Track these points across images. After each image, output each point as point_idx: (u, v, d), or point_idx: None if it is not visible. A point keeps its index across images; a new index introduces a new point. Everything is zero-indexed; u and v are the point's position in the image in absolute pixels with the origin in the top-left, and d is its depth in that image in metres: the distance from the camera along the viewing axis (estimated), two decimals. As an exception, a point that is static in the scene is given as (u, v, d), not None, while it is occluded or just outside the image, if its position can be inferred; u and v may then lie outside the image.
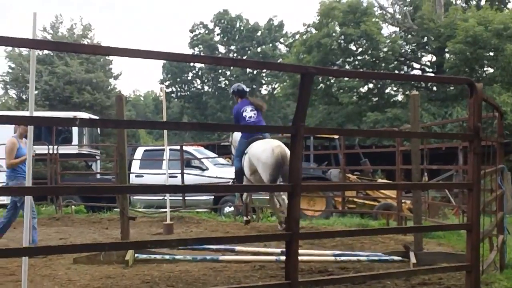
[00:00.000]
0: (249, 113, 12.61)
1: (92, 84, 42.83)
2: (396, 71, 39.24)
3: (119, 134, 10.15)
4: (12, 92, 47.63)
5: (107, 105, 42.62)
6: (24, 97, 44.92)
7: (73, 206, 19.66)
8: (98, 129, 27.89)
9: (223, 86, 57.76)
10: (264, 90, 59.37)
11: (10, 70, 45.09)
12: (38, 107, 39.75)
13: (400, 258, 9.68)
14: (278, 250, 10.22)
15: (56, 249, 6.05)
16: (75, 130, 24.68)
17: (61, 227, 15.56)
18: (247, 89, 13.38)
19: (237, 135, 13.08)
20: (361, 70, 35.63)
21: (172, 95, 56.75)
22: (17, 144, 11.07)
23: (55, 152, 19.26)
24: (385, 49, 38.96)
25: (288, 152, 10.90)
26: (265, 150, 12.05)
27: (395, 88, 41.31)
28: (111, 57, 47.35)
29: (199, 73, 58.28)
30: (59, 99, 41.41)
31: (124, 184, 9.94)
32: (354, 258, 9.80)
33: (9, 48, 44.20)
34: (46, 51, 42.64)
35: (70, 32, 45.72)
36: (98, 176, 25.14)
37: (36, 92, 44.57)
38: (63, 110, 35.74)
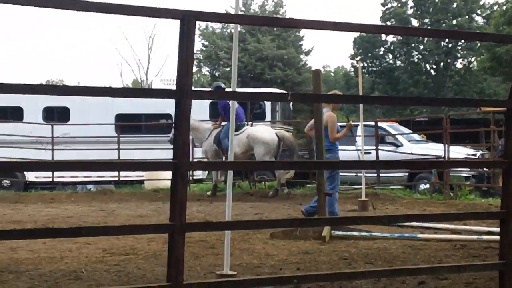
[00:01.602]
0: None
1: (283, 60, 43.30)
2: None
3: (316, 110, 10.04)
4: (205, 70, 49.23)
5: (299, 81, 42.97)
6: (217, 74, 46.29)
7: (265, 182, 19.93)
8: (291, 105, 28.01)
9: (416, 60, 56.35)
10: (459, 64, 57.28)
11: (204, 48, 46.55)
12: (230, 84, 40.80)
13: None
14: (484, 229, 9.77)
15: (255, 224, 6.02)
16: (268, 106, 24.93)
17: (255, 203, 15.77)
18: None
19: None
20: None
21: (363, 70, 56.23)
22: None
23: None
24: None
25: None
26: (270, 134, 16.88)
27: None
28: (302, 33, 47.63)
29: (391, 48, 57.20)
30: (251, 76, 42.25)
31: (321, 160, 9.84)
32: None
33: (203, 26, 45.66)
34: (239, 28, 43.56)
35: (262, 8, 46.43)
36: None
37: (228, 69, 45.79)
38: (255, 86, 36.37)
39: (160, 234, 8.58)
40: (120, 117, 22.60)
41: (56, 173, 20.38)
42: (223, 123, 17.23)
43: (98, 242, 9.01)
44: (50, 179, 20.82)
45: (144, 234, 8.32)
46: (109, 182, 22.15)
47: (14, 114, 22.54)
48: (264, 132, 17.15)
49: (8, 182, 22.07)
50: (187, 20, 4.00)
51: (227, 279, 6.22)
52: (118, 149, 19.65)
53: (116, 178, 21.06)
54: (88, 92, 5.01)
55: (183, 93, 4.01)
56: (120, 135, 20.34)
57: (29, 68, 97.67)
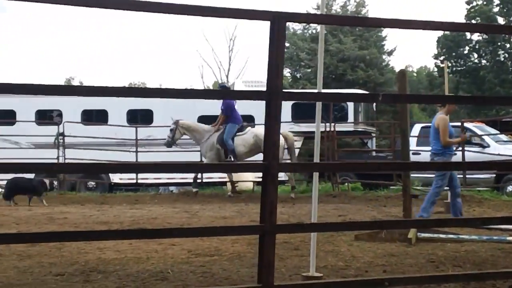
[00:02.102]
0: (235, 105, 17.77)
1: (365, 60, 42.95)
2: None
3: (402, 111, 9.87)
4: (286, 71, 49.24)
5: (381, 81, 42.51)
6: (298, 75, 46.23)
7: (349, 184, 19.77)
8: (374, 105, 27.75)
9: (502, 59, 54.97)
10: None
11: (285, 50, 46.61)
12: (312, 85, 40.70)
13: None
14: None
15: (340, 226, 5.94)
16: (350, 107, 24.76)
17: (338, 204, 15.64)
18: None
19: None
20: None
21: (447, 70, 55.00)
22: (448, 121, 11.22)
23: (332, 129, 19.49)
24: None
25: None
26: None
27: None
28: (384, 33, 47.12)
29: (476, 47, 55.99)
30: (333, 77, 42.05)
31: (407, 161, 9.67)
32: None
33: (285, 28, 45.62)
34: (319, 29, 43.47)
35: (344, 9, 46.18)
36: (373, 153, 25.10)
37: (309, 70, 45.68)
38: (336, 87, 36.15)
39: (244, 235, 8.69)
40: (202, 119, 22.79)
41: (140, 175, 20.71)
42: (218, 126, 17.88)
43: (183, 243, 9.07)
44: (134, 181, 21.20)
45: (233, 236, 8.35)
46: (190, 184, 22.37)
47: (100, 117, 23.02)
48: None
49: (93, 183, 22.56)
50: (278, 21, 3.97)
51: (317, 281, 6.17)
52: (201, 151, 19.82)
53: (199, 180, 21.24)
54: (184, 95, 5.05)
55: (273, 94, 3.97)
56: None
57: (112, 71, 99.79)
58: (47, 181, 16.39)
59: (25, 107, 22.37)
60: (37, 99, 21.95)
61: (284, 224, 6.32)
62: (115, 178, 22.67)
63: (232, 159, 17.48)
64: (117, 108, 22.53)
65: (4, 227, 11.33)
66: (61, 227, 11.27)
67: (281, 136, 17.39)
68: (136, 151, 20.14)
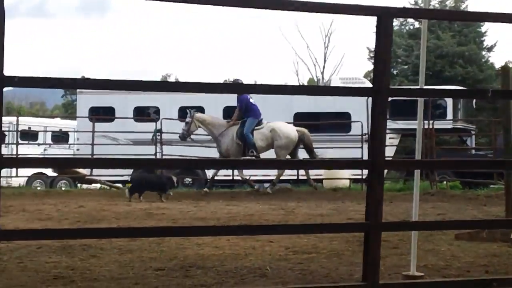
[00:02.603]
0: (251, 100, 17.94)
1: (464, 57, 42.00)
2: None
3: (505, 108, 9.57)
4: (384, 68, 48.64)
5: (480, 78, 41.47)
6: (394, 72, 45.57)
7: (447, 182, 19.39)
8: (474, 102, 27.09)
9: None
10: None
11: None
12: (409, 82, 40.09)
13: None
14: None
15: (447, 224, 5.80)
16: (449, 104, 24.27)
17: (436, 203, 15.33)
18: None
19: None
20: None
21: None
22: None
23: (430, 127, 19.15)
24: None
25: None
26: (293, 130, 17.88)
27: None
28: (483, 28, 45.95)
29: None
30: (430, 74, 41.26)
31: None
32: None
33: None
34: (416, 25, 42.80)
35: (442, 4, 45.26)
36: (473, 151, 24.56)
37: (406, 66, 45.00)
38: (434, 84, 35.47)
39: (342, 233, 8.62)
40: (298, 116, 22.77)
41: (236, 171, 20.87)
42: (234, 121, 18.12)
43: (281, 241, 9.05)
44: (230, 177, 21.35)
45: (332, 233, 8.29)
46: (286, 181, 22.37)
47: (197, 113, 23.31)
48: (288, 127, 18.23)
49: (190, 180, 22.86)
50: (385, 17, 3.90)
51: (422, 280, 6.06)
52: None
53: (295, 177, 21.24)
54: (281, 91, 5.03)
55: (380, 91, 3.90)
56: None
57: (207, 68, 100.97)
58: (174, 178, 16.76)
59: (124, 104, 22.87)
60: (135, 96, 22.43)
61: (390, 222, 6.20)
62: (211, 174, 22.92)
63: (254, 154, 17.58)
64: (214, 104, 22.77)
65: (104, 222, 11.59)
66: (159, 223, 11.42)
67: (295, 132, 17.86)
68: (232, 148, 20.27)
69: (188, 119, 18.23)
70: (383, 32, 3.93)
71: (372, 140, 4.04)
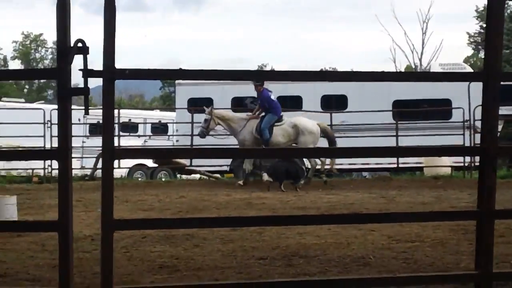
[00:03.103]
0: (272, 96, 17.99)
1: None
2: None
3: None
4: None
5: None
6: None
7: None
8: None
9: None
10: None
11: (482, 31, 44.88)
12: (510, 67, 38.91)
13: None
14: None
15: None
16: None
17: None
18: None
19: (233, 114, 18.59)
20: None
21: None
22: None
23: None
24: None
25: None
26: (314, 125, 17.72)
27: None
28: None
29: None
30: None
31: None
32: None
33: (480, 8, 44.02)
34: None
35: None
36: None
37: (508, 51, 43.73)
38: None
39: (445, 222, 8.45)
40: (397, 104, 22.44)
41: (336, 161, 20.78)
42: (255, 115, 17.89)
43: (383, 229, 8.95)
44: (329, 167, 21.24)
45: (445, 221, 8.14)
46: (386, 170, 22.10)
47: (293, 103, 23.28)
48: (310, 123, 17.87)
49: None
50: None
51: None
52: (397, 135, 19.59)
53: (394, 165, 20.97)
54: (381, 78, 4.95)
55: (492, 75, 3.78)
56: (399, 122, 20.28)
57: (302, 56, 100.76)
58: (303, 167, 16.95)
59: (222, 94, 23.05)
60: (233, 87, 22.56)
61: (503, 210, 5.98)
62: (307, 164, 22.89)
63: None
64: (311, 94, 22.66)
65: (205, 212, 11.74)
66: (259, 212, 11.48)
67: (317, 126, 17.72)
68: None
69: (207, 116, 18.04)
70: (494, 16, 3.80)
71: (484, 126, 3.91)
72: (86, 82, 3.75)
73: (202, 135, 18.24)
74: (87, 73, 3.70)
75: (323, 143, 17.84)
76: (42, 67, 64.87)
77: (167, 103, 62.91)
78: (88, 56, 3.73)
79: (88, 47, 3.74)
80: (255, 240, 8.52)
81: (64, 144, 3.73)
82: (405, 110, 22.21)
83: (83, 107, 4.48)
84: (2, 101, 29.64)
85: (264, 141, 17.29)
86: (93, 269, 6.81)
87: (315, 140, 17.59)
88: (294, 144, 17.55)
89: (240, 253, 7.70)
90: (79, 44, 3.71)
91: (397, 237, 8.52)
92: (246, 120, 17.92)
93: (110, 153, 3.77)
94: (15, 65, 70.31)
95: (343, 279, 5.11)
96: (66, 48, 3.66)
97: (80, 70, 3.69)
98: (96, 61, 3.86)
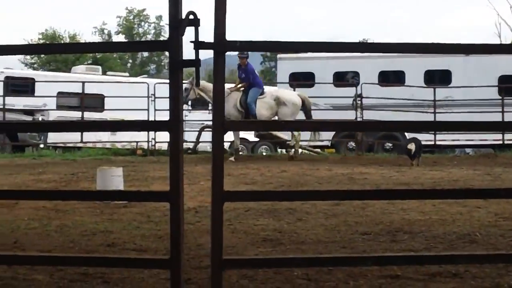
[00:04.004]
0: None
1: None
2: None
3: None
4: None
5: None
6: None
7: None
8: None
9: None
10: None
11: None
12: None
13: None
14: None
15: None
16: None
17: None
18: None
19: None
20: None
21: None
22: None
23: None
24: None
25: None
26: (296, 95, 17.69)
27: None
28: None
29: None
30: None
31: None
32: None
33: None
34: None
35: None
36: None
37: None
38: None
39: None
40: (503, 79, 21.79)
41: (439, 137, 20.44)
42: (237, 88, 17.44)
43: (488, 206, 8.76)
44: (432, 143, 20.87)
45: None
46: (490, 146, 21.55)
47: (396, 78, 22.98)
48: (291, 94, 17.97)
49: (390, 145, 22.60)
50: None
51: None
52: (503, 111, 19.06)
53: (499, 142, 20.44)
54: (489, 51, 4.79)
55: None
56: (504, 98, 19.71)
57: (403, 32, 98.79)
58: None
59: (324, 69, 22.95)
60: (335, 61, 22.44)
61: None
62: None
63: None
64: (415, 68, 22.28)
65: (307, 186, 11.73)
66: (362, 187, 11.40)
67: (299, 97, 17.51)
68: (434, 112, 19.81)
69: (187, 85, 17.40)
70: None
71: None
72: (197, 54, 3.78)
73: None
74: (198, 45, 3.73)
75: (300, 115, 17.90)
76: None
77: (268, 77, 63.05)
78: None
79: (199, 19, 3.76)
80: (358, 215, 8.48)
81: (176, 116, 3.78)
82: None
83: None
84: (107, 75, 30.31)
85: (252, 116, 17.10)
86: (197, 240, 6.95)
87: (296, 111, 17.50)
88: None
89: (343, 227, 7.69)
90: (191, 16, 3.74)
91: (504, 214, 8.32)
92: (227, 93, 17.17)
93: (221, 125, 3.80)
94: (119, 39, 71.76)
95: (452, 255, 5.00)
96: (178, 21, 3.69)
97: (191, 42, 3.72)
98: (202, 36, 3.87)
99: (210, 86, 17.60)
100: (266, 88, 18.01)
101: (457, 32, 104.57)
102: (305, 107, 17.84)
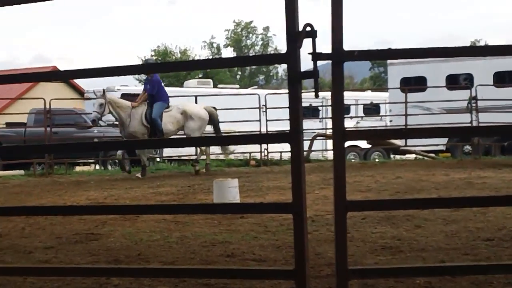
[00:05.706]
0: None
1: None
2: None
3: None
4: None
5: None
6: None
7: None
8: None
9: None
10: None
11: None
12: None
13: None
14: None
15: None
16: None
17: None
18: None
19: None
20: None
21: None
22: None
23: None
24: None
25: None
26: (202, 109, 17.20)
27: None
28: None
29: None
30: None
31: None
32: None
33: None
34: None
35: None
36: None
37: None
38: None
39: None
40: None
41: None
42: (139, 103, 16.72)
43: None
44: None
45: None
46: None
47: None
48: (197, 108, 17.41)
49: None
50: None
51: None
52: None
53: None
54: None
55: None
56: None
57: None
58: None
59: (436, 72, 22.58)
60: (447, 64, 22.03)
61: None
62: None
63: None
64: (483, 70, 21.65)
65: (424, 192, 11.54)
66: (481, 192, 11.12)
67: (205, 111, 16.92)
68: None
69: (102, 101, 16.46)
70: None
71: None
72: (315, 65, 3.80)
73: (94, 122, 17.10)
74: (316, 56, 3.76)
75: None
76: (253, 53, 66.85)
77: (377, 83, 62.55)
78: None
79: (316, 31, 3.78)
80: (479, 220, 8.28)
81: (296, 127, 3.81)
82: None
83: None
84: (218, 87, 30.82)
85: (157, 131, 16.35)
86: (316, 249, 6.95)
87: (203, 125, 16.98)
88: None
89: (464, 234, 7.51)
90: (308, 28, 3.77)
91: None
92: (130, 108, 16.65)
93: (341, 134, 3.80)
94: (228, 52, 72.82)
95: None
96: (295, 33, 3.72)
97: (309, 54, 3.74)
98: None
99: (121, 101, 17.15)
100: (172, 102, 17.24)
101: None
102: (213, 121, 17.49)
